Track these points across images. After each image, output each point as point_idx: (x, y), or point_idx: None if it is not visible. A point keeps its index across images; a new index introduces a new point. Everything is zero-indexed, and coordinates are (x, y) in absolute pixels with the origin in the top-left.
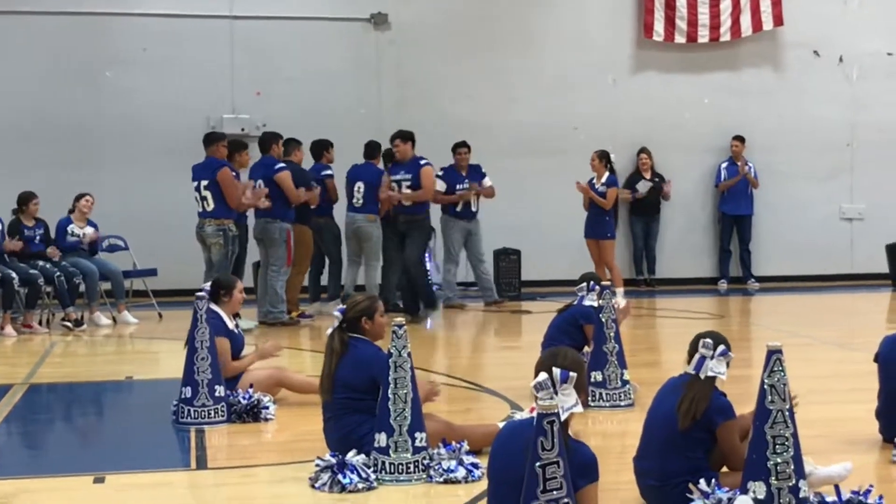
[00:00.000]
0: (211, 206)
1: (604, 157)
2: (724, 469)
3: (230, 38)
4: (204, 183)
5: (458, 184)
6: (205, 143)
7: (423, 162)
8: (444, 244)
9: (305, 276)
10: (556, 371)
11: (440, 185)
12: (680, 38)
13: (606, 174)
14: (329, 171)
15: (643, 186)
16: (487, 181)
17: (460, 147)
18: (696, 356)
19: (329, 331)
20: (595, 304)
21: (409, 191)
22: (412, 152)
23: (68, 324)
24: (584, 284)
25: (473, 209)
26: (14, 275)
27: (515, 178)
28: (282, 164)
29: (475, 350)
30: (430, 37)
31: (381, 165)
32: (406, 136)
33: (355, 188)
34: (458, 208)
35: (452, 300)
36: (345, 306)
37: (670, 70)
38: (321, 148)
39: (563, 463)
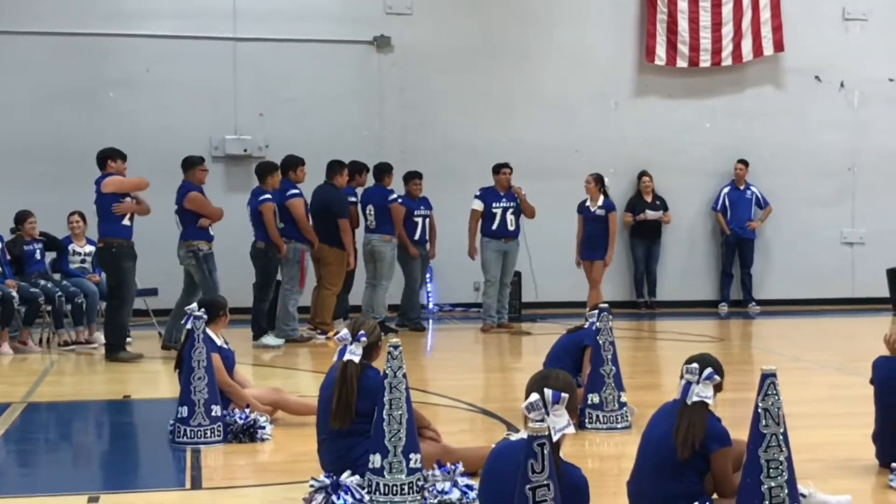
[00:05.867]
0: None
1: (599, 181)
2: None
3: (233, 59)
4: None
5: (496, 202)
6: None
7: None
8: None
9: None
10: (548, 392)
11: (477, 205)
12: (682, 63)
13: (602, 198)
14: (353, 199)
15: (652, 216)
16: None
17: (503, 167)
18: (682, 381)
19: (346, 357)
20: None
21: None
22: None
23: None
24: (596, 312)
25: (511, 228)
26: (14, 293)
27: None
28: (295, 191)
29: (473, 371)
30: (432, 59)
31: (391, 186)
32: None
33: (367, 210)
34: (494, 227)
35: (490, 321)
36: (364, 332)
37: (672, 94)
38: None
39: (553, 485)
